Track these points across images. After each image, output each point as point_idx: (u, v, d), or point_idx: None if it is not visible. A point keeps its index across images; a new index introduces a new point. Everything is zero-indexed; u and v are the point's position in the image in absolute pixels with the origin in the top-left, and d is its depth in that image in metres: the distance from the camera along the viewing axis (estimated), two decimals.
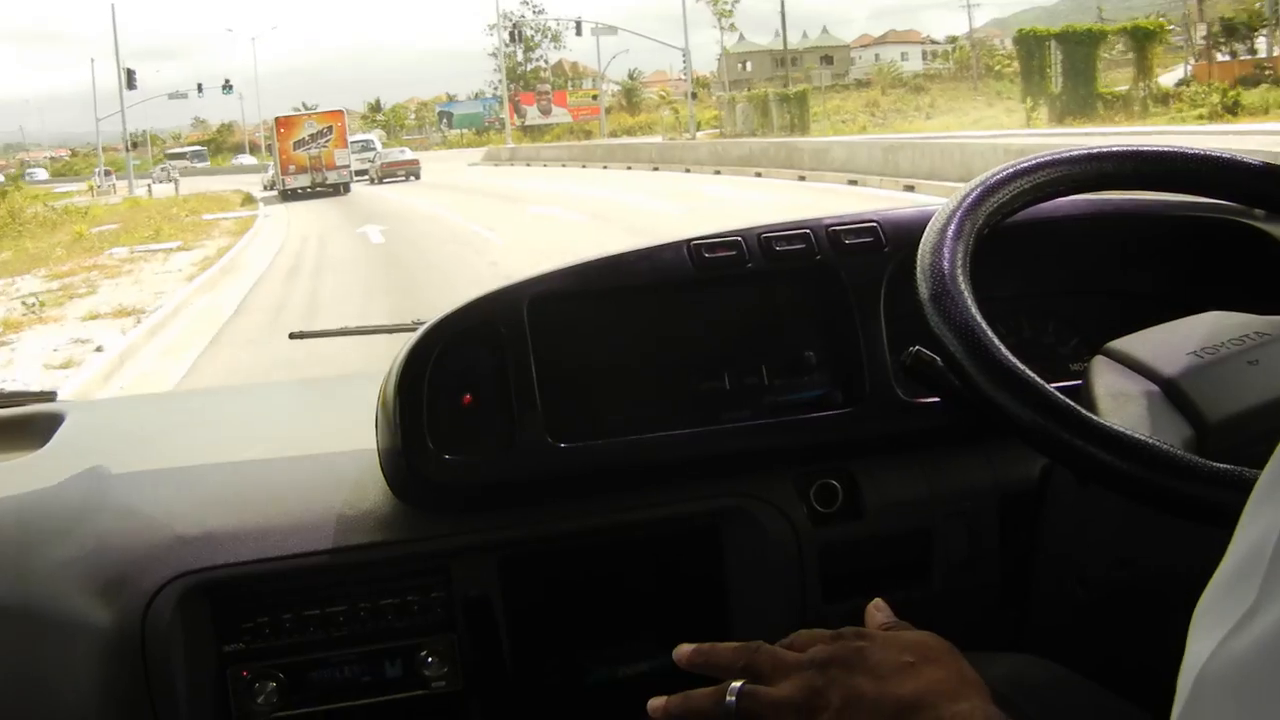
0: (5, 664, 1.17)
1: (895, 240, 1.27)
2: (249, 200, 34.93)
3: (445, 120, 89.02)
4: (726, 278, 1.27)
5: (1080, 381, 1.03)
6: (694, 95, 53.52)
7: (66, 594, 1.18)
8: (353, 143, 44.84)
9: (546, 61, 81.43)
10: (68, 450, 1.43)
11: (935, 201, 1.15)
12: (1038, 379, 0.94)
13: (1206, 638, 0.48)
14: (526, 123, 71.40)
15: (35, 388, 1.75)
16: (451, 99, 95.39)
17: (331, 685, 1.22)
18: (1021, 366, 0.94)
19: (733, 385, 1.28)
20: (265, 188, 40.14)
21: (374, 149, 47.75)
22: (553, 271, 1.26)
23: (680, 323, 1.29)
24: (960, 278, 1.00)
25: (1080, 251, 1.40)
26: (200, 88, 60.04)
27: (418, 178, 40.90)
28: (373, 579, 1.23)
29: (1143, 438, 0.90)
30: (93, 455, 1.37)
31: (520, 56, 78.49)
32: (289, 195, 35.44)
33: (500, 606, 1.24)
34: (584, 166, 37.97)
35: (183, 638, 1.16)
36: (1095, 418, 0.92)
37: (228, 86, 62.57)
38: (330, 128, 37.41)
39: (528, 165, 44.32)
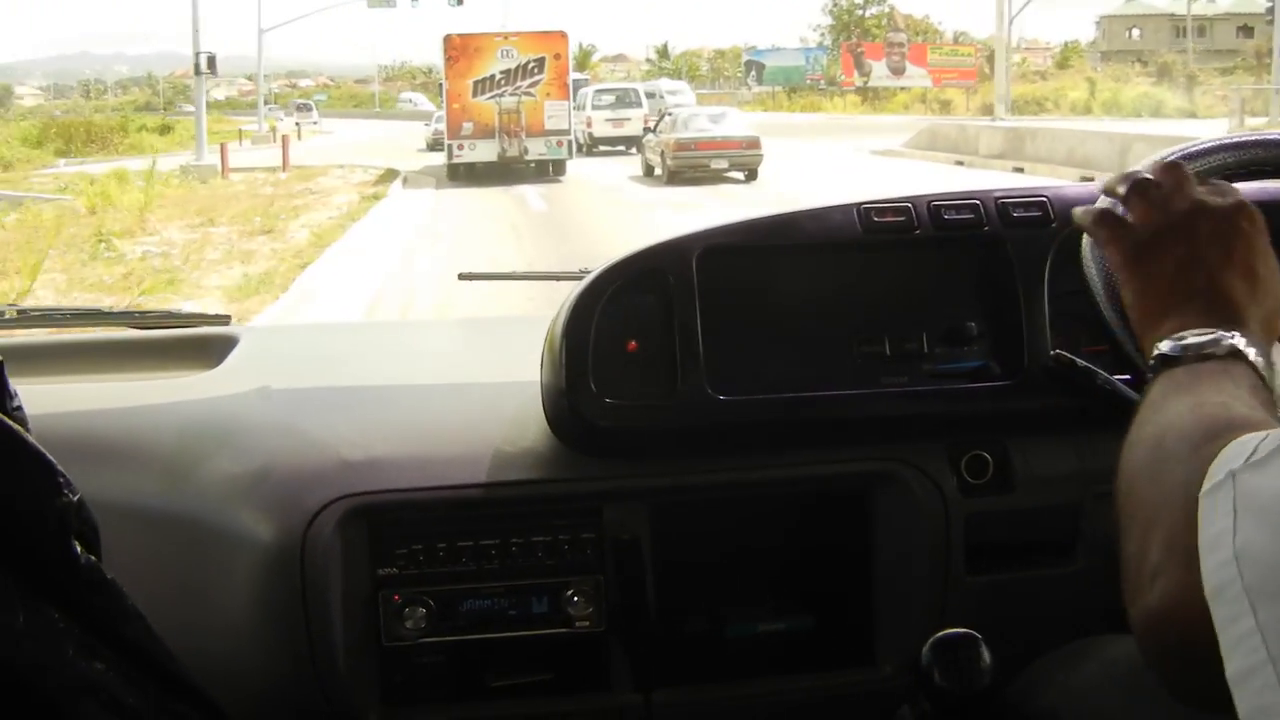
0: (168, 570, 1.22)
1: (1064, 215, 1.25)
2: (382, 182, 19.67)
3: (753, 72, 61.61)
4: (894, 243, 1.27)
5: None
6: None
7: (232, 507, 1.23)
8: (642, 91, 29.73)
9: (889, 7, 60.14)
10: (240, 370, 1.49)
11: None
12: None
13: None
14: (870, 83, 51.26)
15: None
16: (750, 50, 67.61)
17: (478, 615, 1.25)
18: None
19: (893, 350, 1.28)
20: (428, 146, 26.04)
21: (677, 94, 29.37)
22: (724, 226, 1.27)
23: (844, 284, 1.29)
24: None
25: None
26: None
27: (753, 177, 19.10)
28: (527, 515, 1.26)
29: None
30: (264, 376, 1.42)
31: None
32: (459, 173, 20.67)
33: (648, 553, 1.26)
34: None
35: (340, 558, 1.21)
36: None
37: None
38: (540, 61, 20.98)
39: (1021, 170, 18.14)
